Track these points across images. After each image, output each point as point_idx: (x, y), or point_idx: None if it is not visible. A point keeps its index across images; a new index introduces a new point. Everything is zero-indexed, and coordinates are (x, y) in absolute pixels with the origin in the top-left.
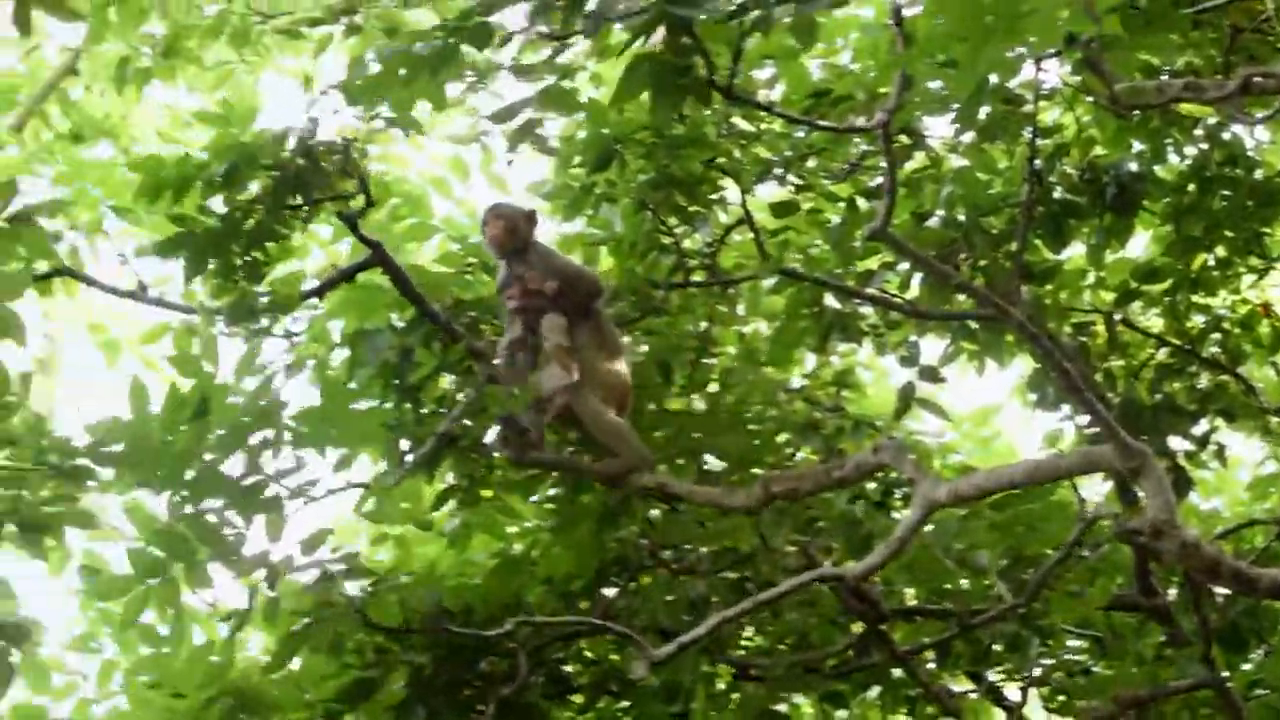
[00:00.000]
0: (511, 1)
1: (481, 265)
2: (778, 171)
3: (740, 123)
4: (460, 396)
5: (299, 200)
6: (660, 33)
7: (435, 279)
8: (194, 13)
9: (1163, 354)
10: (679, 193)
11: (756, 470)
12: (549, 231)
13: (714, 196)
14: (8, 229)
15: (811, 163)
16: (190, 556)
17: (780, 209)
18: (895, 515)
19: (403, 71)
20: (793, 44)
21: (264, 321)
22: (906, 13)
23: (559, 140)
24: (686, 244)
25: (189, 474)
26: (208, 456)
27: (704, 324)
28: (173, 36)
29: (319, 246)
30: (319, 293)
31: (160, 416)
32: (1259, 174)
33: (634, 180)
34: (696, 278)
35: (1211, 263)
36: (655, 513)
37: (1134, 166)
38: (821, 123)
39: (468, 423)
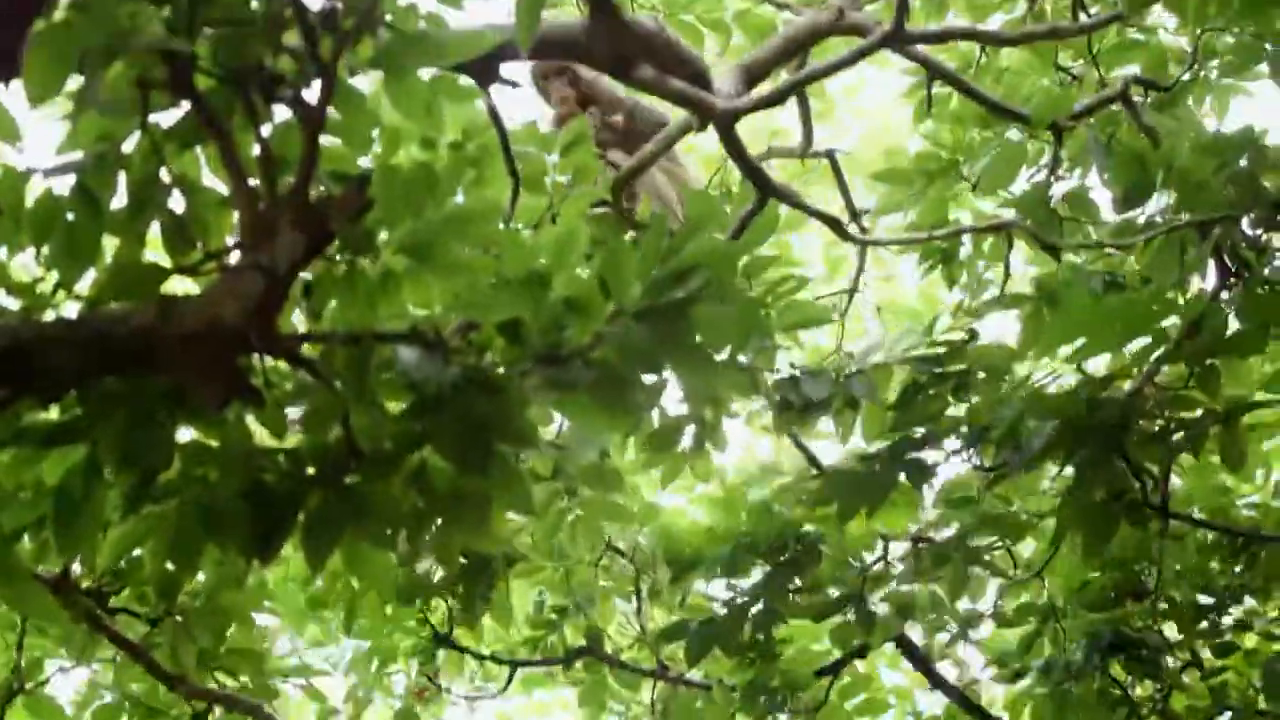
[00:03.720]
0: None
1: None
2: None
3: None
4: None
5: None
6: None
7: None
8: None
9: None
10: (1126, 647)
11: None
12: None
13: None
14: None
15: (1249, 601)
16: None
17: (1220, 650)
18: None
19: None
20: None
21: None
22: None
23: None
24: (1137, 692)
25: None
26: None
27: None
28: None
29: None
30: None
31: None
32: None
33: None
34: None
35: None
36: None
37: None
38: (1266, 534)
39: None
